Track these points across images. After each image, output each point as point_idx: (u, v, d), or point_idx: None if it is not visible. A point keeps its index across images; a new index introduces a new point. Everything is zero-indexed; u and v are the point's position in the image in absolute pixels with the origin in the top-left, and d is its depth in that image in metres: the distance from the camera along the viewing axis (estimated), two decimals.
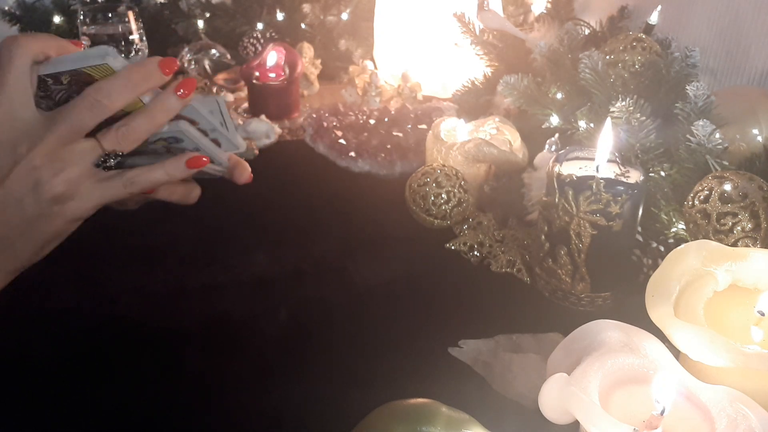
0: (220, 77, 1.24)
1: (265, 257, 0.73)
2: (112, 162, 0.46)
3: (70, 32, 1.47)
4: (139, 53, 1.05)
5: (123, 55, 0.47)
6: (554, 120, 0.81)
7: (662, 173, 0.68)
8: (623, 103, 0.69)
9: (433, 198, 0.76)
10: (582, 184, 0.61)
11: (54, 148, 0.44)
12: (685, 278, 0.49)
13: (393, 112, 1.02)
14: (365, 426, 0.41)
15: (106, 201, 0.47)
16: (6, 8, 1.51)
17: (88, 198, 0.46)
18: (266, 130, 1.02)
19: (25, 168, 0.43)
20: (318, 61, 1.28)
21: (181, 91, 0.46)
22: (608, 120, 0.63)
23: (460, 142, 0.80)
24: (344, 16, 1.35)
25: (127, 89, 0.45)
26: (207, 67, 1.25)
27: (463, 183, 0.77)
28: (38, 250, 0.47)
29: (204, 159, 0.49)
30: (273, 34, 1.31)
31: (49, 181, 0.44)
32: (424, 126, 0.98)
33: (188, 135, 0.50)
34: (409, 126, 0.99)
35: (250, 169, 0.53)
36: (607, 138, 0.61)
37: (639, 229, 0.65)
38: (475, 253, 0.74)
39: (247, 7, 1.36)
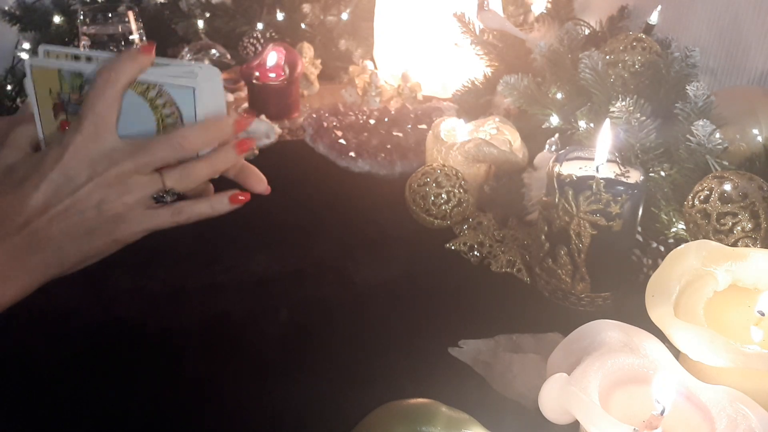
0: None
1: (265, 257, 0.73)
2: (168, 198, 0.50)
3: (70, 32, 1.47)
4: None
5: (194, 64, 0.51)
6: (554, 120, 0.81)
7: (662, 173, 0.68)
8: (623, 103, 0.69)
9: (433, 198, 0.76)
10: (582, 184, 0.61)
11: (128, 173, 0.47)
12: (685, 278, 0.49)
13: (393, 112, 1.02)
14: (365, 426, 0.41)
15: (153, 228, 0.50)
16: (6, 8, 1.52)
17: (139, 223, 0.49)
18: (266, 130, 1.01)
19: (97, 184, 0.47)
20: (318, 61, 1.27)
21: (239, 148, 0.51)
22: (607, 120, 0.63)
23: (460, 142, 0.80)
24: (344, 16, 1.35)
25: (204, 141, 0.49)
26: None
27: (463, 183, 0.77)
28: (80, 261, 0.50)
29: (242, 198, 0.52)
30: (273, 34, 1.31)
31: (113, 200, 0.47)
32: (424, 126, 0.98)
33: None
34: (409, 126, 0.99)
35: (265, 180, 0.55)
36: (606, 138, 0.61)
37: (639, 229, 0.65)
38: (475, 253, 0.74)
39: (247, 7, 1.36)
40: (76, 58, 0.51)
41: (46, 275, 0.48)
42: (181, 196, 0.51)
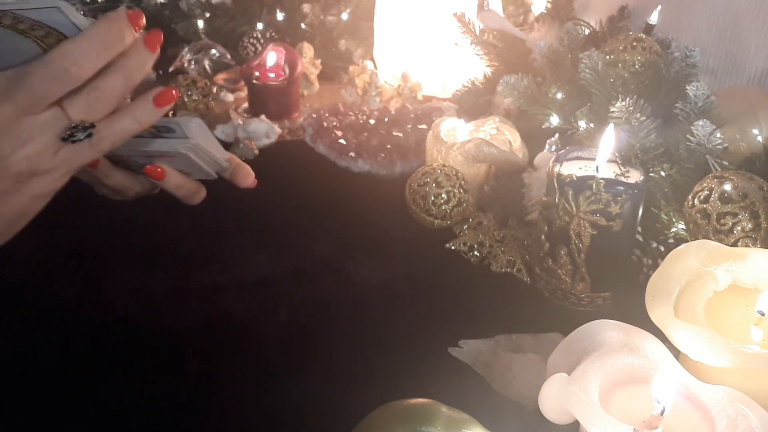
0: (220, 77, 1.24)
1: (265, 257, 0.73)
2: (81, 135, 0.40)
3: None
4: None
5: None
6: (554, 120, 0.81)
7: (662, 173, 0.68)
8: (623, 103, 0.69)
9: (433, 198, 0.76)
10: (582, 184, 0.61)
11: (12, 119, 0.38)
12: (685, 278, 0.50)
13: (393, 112, 1.02)
14: (365, 426, 0.41)
15: (75, 169, 0.42)
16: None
17: (56, 170, 0.41)
18: (266, 130, 1.02)
19: None
20: (318, 61, 1.27)
21: (150, 44, 0.41)
22: (611, 125, 0.63)
23: (460, 142, 0.80)
24: (344, 16, 1.35)
25: (99, 54, 0.39)
26: (207, 67, 1.25)
27: (463, 183, 0.77)
28: (6, 228, 0.42)
29: (174, 92, 0.42)
30: (273, 34, 1.31)
31: (8, 157, 0.38)
32: (424, 126, 0.98)
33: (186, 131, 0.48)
34: (409, 126, 0.99)
35: (253, 174, 0.52)
36: (609, 141, 0.61)
37: (639, 229, 0.65)
38: (475, 253, 0.74)
39: (247, 7, 1.36)
40: None
41: None
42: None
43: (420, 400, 0.41)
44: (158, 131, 0.48)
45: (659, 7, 0.95)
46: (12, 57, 0.39)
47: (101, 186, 0.52)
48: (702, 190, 0.60)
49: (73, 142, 0.40)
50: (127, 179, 0.51)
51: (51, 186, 0.41)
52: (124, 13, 0.40)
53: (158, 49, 0.41)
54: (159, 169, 0.48)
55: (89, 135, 0.40)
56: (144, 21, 0.41)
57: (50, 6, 0.38)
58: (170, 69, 1.26)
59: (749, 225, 0.58)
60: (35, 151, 0.39)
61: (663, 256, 0.57)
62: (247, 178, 0.51)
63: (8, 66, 0.39)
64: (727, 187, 0.59)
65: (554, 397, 0.42)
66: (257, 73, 1.09)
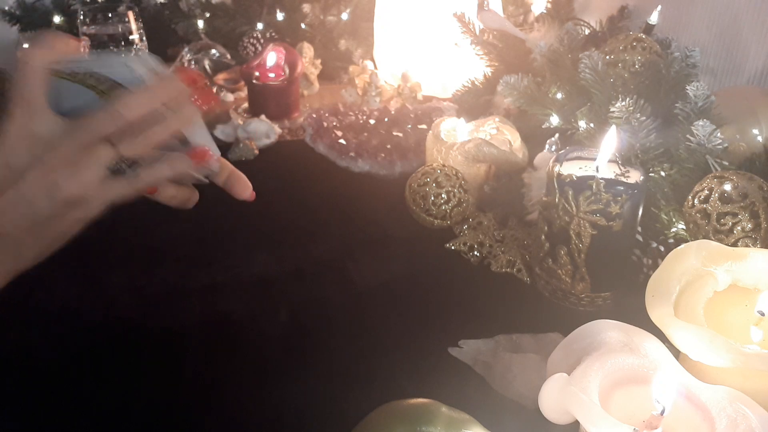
0: (220, 77, 1.24)
1: (265, 257, 0.73)
2: (125, 167, 0.47)
3: (70, 32, 1.47)
4: (139, 53, 1.05)
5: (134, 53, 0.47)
6: (554, 120, 0.81)
7: (662, 173, 0.68)
8: (623, 103, 0.69)
9: (433, 198, 0.76)
10: (582, 184, 0.61)
11: (72, 152, 0.45)
12: (685, 278, 0.49)
13: (393, 112, 1.02)
14: (365, 426, 0.41)
15: (114, 200, 0.47)
16: (6, 8, 1.51)
17: (97, 199, 0.46)
18: (266, 130, 1.02)
19: (41, 170, 0.44)
20: (318, 61, 1.27)
21: (199, 102, 0.48)
22: (613, 126, 0.63)
23: (460, 142, 0.80)
24: (344, 16, 1.35)
25: (148, 100, 0.46)
26: (207, 67, 1.25)
27: (463, 183, 0.77)
28: (45, 249, 0.47)
29: (209, 152, 0.49)
30: (273, 34, 1.31)
31: (64, 183, 0.44)
32: (424, 126, 0.98)
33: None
34: (409, 126, 0.99)
35: (251, 187, 0.53)
36: (611, 142, 0.61)
37: (639, 229, 0.65)
38: (475, 253, 0.74)
39: (247, 7, 1.36)
40: None
41: (9, 272, 0.47)
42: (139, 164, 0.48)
43: (420, 400, 0.41)
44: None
45: (659, 7, 0.95)
46: (72, 105, 0.47)
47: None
48: (702, 190, 0.60)
49: (119, 172, 0.47)
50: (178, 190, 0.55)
51: (91, 212, 0.47)
52: (177, 76, 0.48)
53: (210, 106, 0.48)
54: (209, 152, 0.51)
55: (132, 169, 0.47)
56: (201, 80, 0.47)
57: (121, 64, 0.46)
58: (170, 69, 1.25)
59: (749, 225, 0.58)
60: (87, 179, 0.45)
61: (663, 256, 0.57)
62: (245, 190, 0.53)
63: (75, 112, 0.46)
64: (727, 187, 0.59)
65: (554, 397, 0.42)
66: (257, 73, 1.09)
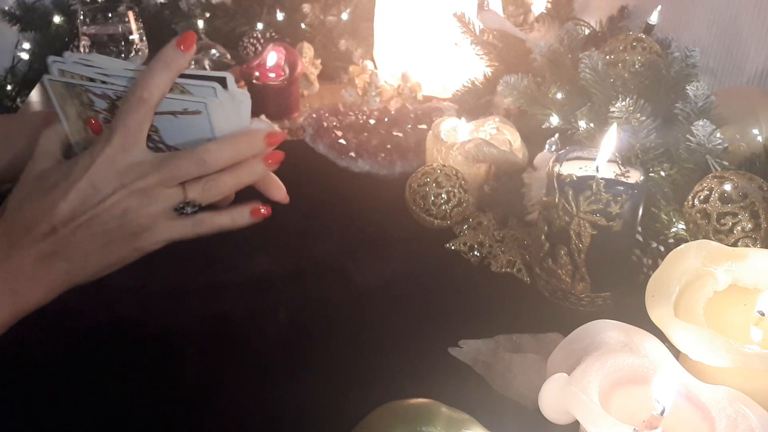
0: None
1: (265, 257, 0.73)
2: (189, 210, 0.50)
3: (70, 32, 1.47)
4: (139, 53, 1.05)
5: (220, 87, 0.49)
6: (554, 120, 0.81)
7: (662, 173, 0.68)
8: (623, 103, 0.69)
9: (433, 198, 0.76)
10: (582, 184, 0.61)
11: (153, 186, 0.48)
12: (685, 278, 0.49)
13: (393, 112, 1.02)
14: (365, 426, 0.41)
15: (175, 239, 0.51)
16: (6, 8, 1.52)
17: (161, 233, 0.50)
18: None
19: (123, 195, 0.48)
20: (318, 61, 1.27)
21: (270, 161, 0.52)
22: (614, 125, 0.63)
23: (460, 142, 0.80)
24: (344, 16, 1.35)
25: (232, 156, 0.50)
26: (207, 67, 1.25)
27: (463, 183, 0.77)
28: (103, 269, 0.51)
29: (264, 212, 0.53)
30: (273, 34, 1.31)
31: (137, 211, 0.48)
32: (424, 126, 0.98)
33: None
34: (409, 126, 0.99)
35: (285, 189, 0.56)
36: (611, 142, 0.61)
37: (639, 229, 0.65)
38: (475, 253, 0.74)
39: (247, 7, 1.36)
40: (91, 80, 0.51)
41: (69, 282, 0.49)
42: (202, 207, 0.51)
43: (420, 400, 0.41)
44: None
45: (659, 7, 0.95)
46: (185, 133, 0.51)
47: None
48: (702, 190, 0.60)
49: (182, 214, 0.50)
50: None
51: (153, 245, 0.51)
52: (264, 135, 0.51)
53: (274, 167, 0.52)
54: (264, 211, 0.55)
55: (195, 212, 0.51)
56: (283, 139, 0.52)
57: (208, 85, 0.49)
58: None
59: (749, 225, 0.58)
60: (155, 212, 0.49)
61: (663, 256, 0.57)
62: (279, 191, 0.55)
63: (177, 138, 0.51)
64: (727, 187, 0.59)
65: (554, 397, 0.42)
66: (257, 73, 1.09)
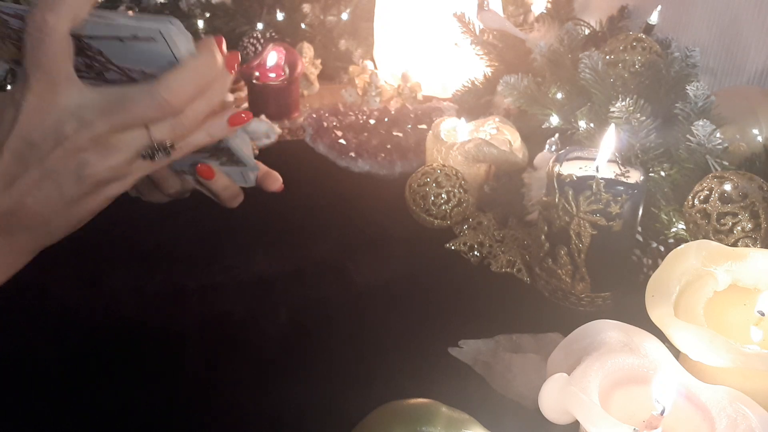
0: None
1: (265, 257, 0.73)
2: (160, 155, 0.43)
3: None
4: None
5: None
6: (554, 120, 0.81)
7: (662, 173, 0.68)
8: (623, 103, 0.69)
9: (433, 198, 0.76)
10: (582, 184, 0.61)
11: (104, 133, 0.40)
12: (685, 278, 0.49)
13: (393, 112, 1.02)
14: (365, 426, 0.41)
15: (148, 174, 0.45)
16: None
17: (129, 176, 0.44)
18: (266, 130, 1.02)
19: (69, 149, 0.40)
20: (318, 61, 1.27)
21: (232, 120, 0.45)
22: (612, 126, 0.63)
23: (460, 142, 0.80)
24: (344, 16, 1.35)
25: (196, 84, 0.42)
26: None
27: (463, 183, 0.77)
28: (73, 226, 0.45)
29: (244, 116, 0.46)
30: (273, 34, 1.31)
31: (94, 165, 0.41)
32: (424, 126, 0.98)
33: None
34: (409, 126, 0.99)
35: (281, 179, 0.53)
36: (610, 142, 0.61)
37: (639, 229, 0.65)
38: (475, 253, 0.74)
39: (247, 7, 1.36)
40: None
41: (36, 249, 0.44)
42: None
43: (420, 400, 0.41)
44: None
45: (659, 7, 0.95)
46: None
47: (140, 186, 0.53)
48: (702, 190, 0.60)
49: (152, 159, 0.43)
50: (173, 178, 0.52)
51: (122, 189, 0.44)
52: (219, 57, 0.42)
53: (236, 70, 0.44)
54: (209, 169, 0.50)
55: (167, 155, 0.43)
56: (239, 61, 0.44)
57: (153, 26, 0.39)
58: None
59: (749, 225, 0.58)
60: (117, 162, 0.42)
61: (663, 256, 0.57)
62: (276, 182, 0.53)
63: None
64: (727, 187, 0.59)
65: (554, 397, 0.42)
66: (257, 73, 1.09)
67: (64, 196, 0.42)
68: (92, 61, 0.42)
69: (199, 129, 0.44)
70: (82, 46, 0.41)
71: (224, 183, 0.51)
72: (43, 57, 0.39)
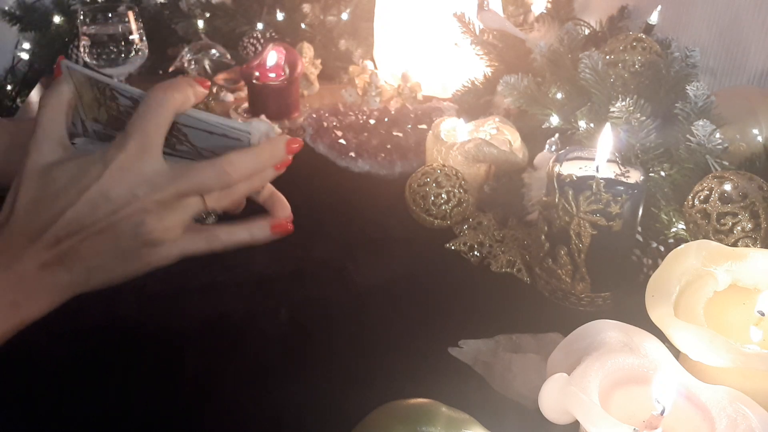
0: (220, 77, 1.24)
1: (265, 257, 0.73)
2: (211, 219, 0.49)
3: (70, 32, 1.47)
4: (139, 53, 1.05)
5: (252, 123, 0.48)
6: (554, 120, 0.81)
7: (662, 173, 0.68)
8: (623, 103, 0.69)
9: (433, 198, 0.76)
10: (582, 184, 0.61)
11: (169, 199, 0.45)
12: (685, 278, 0.50)
13: (393, 112, 1.02)
14: (365, 426, 0.41)
15: (189, 254, 0.48)
16: (6, 8, 1.52)
17: (175, 248, 0.47)
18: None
19: (136, 209, 0.45)
20: (318, 61, 1.27)
21: (281, 170, 0.50)
22: (608, 124, 0.63)
23: (460, 142, 0.80)
24: (344, 16, 1.35)
25: (254, 168, 0.47)
26: (207, 67, 1.25)
27: (463, 183, 0.77)
28: (107, 283, 0.48)
29: (290, 227, 0.51)
30: (273, 34, 1.31)
31: (151, 224, 0.45)
32: (424, 126, 0.98)
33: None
34: (409, 126, 0.99)
35: (290, 209, 0.54)
36: (607, 141, 0.61)
37: (639, 229, 0.65)
38: (475, 253, 0.74)
39: (247, 7, 1.36)
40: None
41: (70, 293, 0.47)
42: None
43: (420, 400, 0.41)
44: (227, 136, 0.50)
45: (659, 7, 0.95)
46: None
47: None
48: (702, 190, 0.60)
49: (200, 222, 0.47)
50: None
51: (166, 260, 0.48)
52: (284, 140, 0.49)
53: (283, 170, 0.49)
54: (290, 226, 0.53)
55: (214, 219, 0.49)
56: (301, 147, 0.50)
57: (244, 130, 0.47)
58: (170, 69, 1.26)
59: (749, 225, 0.58)
60: (172, 225, 0.46)
61: (663, 256, 0.57)
62: (285, 210, 0.53)
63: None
64: (727, 187, 0.59)
65: (554, 397, 0.42)
66: (257, 73, 1.09)
67: (117, 250, 0.46)
68: (173, 138, 0.48)
69: (242, 227, 0.50)
70: (173, 127, 0.47)
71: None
72: (149, 125, 0.44)
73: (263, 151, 0.48)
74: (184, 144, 0.48)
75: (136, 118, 0.45)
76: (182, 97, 0.46)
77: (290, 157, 0.50)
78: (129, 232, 0.45)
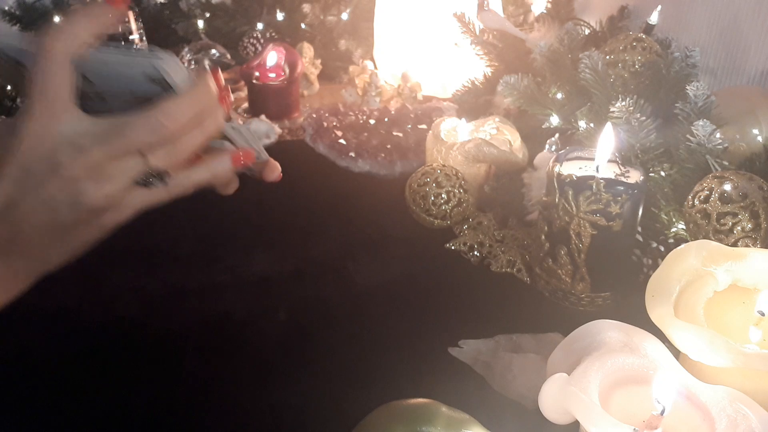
0: None
1: (265, 257, 0.73)
2: (155, 182, 0.43)
3: None
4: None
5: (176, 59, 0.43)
6: (554, 120, 0.81)
7: (662, 173, 0.68)
8: (623, 103, 0.69)
9: (433, 198, 0.76)
10: (582, 184, 0.61)
11: (99, 162, 0.41)
12: (685, 278, 0.49)
13: (393, 112, 1.02)
14: (365, 426, 0.41)
15: (147, 207, 0.45)
16: (6, 8, 1.52)
17: (128, 206, 0.44)
18: (266, 130, 1.02)
19: (64, 178, 0.40)
20: (318, 61, 1.27)
21: (226, 102, 0.46)
22: (608, 124, 0.63)
23: (460, 142, 0.80)
24: (344, 16, 1.35)
25: (194, 110, 0.42)
26: (207, 67, 1.25)
27: (463, 183, 0.77)
28: (71, 252, 0.45)
29: (251, 153, 0.47)
30: (273, 34, 1.31)
31: (90, 193, 0.41)
32: (424, 126, 0.98)
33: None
34: (409, 126, 0.99)
35: (279, 168, 0.52)
36: (608, 141, 0.61)
37: (639, 229, 0.65)
38: (475, 253, 0.74)
39: (247, 7, 1.36)
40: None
41: (33, 276, 0.44)
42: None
43: (420, 400, 0.41)
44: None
45: (659, 7, 0.95)
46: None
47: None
48: (702, 190, 0.60)
49: (147, 186, 0.43)
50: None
51: (119, 219, 0.44)
52: (212, 84, 0.44)
53: (228, 104, 0.45)
54: (251, 153, 0.49)
55: (163, 182, 0.43)
56: (222, 80, 0.45)
57: (156, 57, 0.41)
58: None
59: (749, 225, 0.58)
60: (113, 190, 0.42)
61: (663, 256, 0.57)
62: (274, 171, 0.51)
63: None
64: (727, 187, 0.59)
65: (554, 397, 0.42)
66: (257, 73, 1.09)
67: (60, 223, 0.42)
68: (90, 91, 0.43)
69: (201, 164, 0.45)
70: (83, 78, 0.42)
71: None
72: (47, 83, 0.40)
73: (194, 93, 0.42)
74: (105, 97, 0.44)
75: (33, 79, 0.40)
76: (70, 36, 0.40)
77: (223, 82, 0.45)
78: (66, 204, 0.41)
